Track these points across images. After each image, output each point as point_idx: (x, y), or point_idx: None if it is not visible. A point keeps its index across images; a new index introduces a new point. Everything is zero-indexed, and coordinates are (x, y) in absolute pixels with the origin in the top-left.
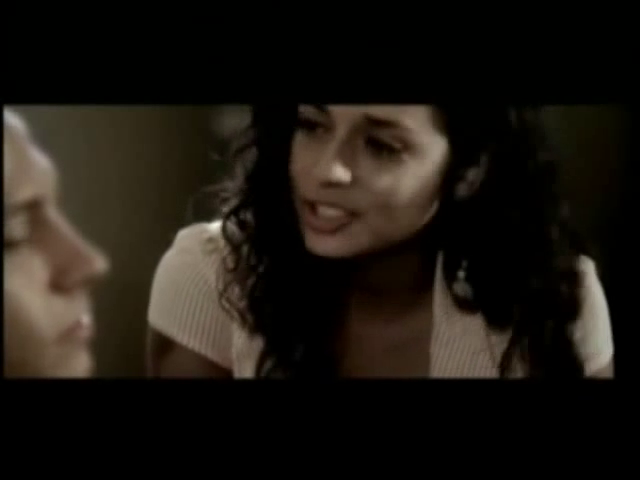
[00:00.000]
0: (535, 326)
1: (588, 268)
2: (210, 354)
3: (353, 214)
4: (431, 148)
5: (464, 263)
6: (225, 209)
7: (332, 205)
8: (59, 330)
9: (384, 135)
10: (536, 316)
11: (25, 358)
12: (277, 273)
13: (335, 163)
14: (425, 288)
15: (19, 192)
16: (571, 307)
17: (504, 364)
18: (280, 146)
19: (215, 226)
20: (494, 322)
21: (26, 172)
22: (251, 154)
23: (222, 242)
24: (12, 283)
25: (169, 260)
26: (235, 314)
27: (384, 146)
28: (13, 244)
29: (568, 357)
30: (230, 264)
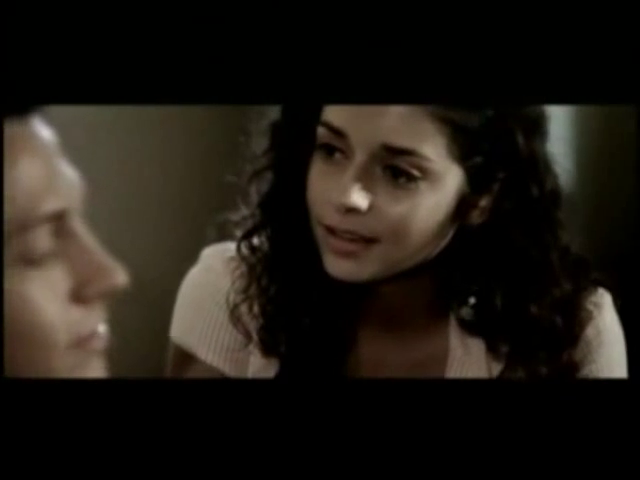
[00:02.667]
0: (529, 355)
1: (603, 300)
2: (228, 370)
3: (369, 240)
4: (447, 177)
5: (473, 287)
6: (238, 233)
7: (349, 232)
8: (73, 338)
9: (402, 163)
10: (530, 345)
11: (38, 363)
12: (289, 297)
13: (353, 189)
14: (440, 313)
15: (46, 204)
16: (566, 338)
17: None
18: (297, 171)
19: None
20: (493, 349)
21: (53, 184)
22: (266, 179)
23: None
24: (33, 290)
25: (192, 277)
26: (251, 334)
27: (402, 173)
28: (37, 255)
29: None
30: (242, 285)
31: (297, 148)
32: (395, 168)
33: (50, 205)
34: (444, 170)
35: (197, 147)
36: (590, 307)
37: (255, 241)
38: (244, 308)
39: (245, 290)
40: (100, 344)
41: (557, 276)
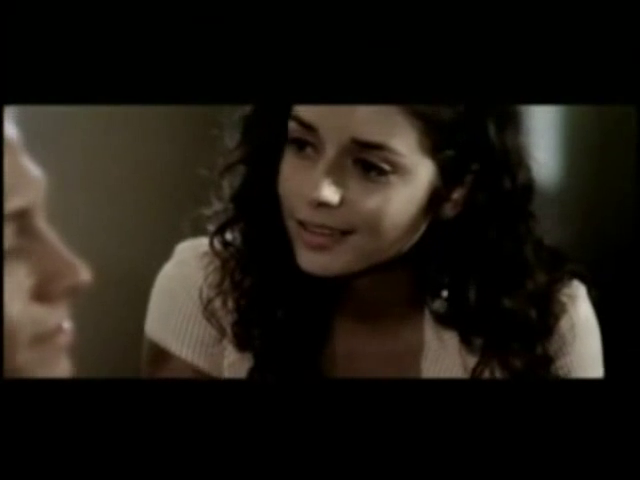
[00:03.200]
0: (502, 348)
1: (578, 292)
2: (202, 365)
3: (344, 232)
4: (419, 170)
5: (446, 280)
6: (211, 227)
7: (322, 226)
8: (36, 335)
9: (372, 157)
10: (504, 337)
11: (2, 359)
12: (263, 291)
13: (324, 183)
14: (415, 306)
15: (9, 202)
16: (541, 331)
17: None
18: (269, 165)
19: None
20: (467, 341)
21: (17, 182)
22: (239, 172)
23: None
24: None
25: (166, 272)
26: (225, 329)
27: (372, 167)
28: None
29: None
30: (216, 279)
31: (268, 142)
32: (365, 162)
33: (13, 203)
34: (415, 163)
35: (171, 141)
36: (564, 299)
37: (228, 236)
38: (218, 303)
39: (219, 285)
40: (65, 340)
41: (531, 268)
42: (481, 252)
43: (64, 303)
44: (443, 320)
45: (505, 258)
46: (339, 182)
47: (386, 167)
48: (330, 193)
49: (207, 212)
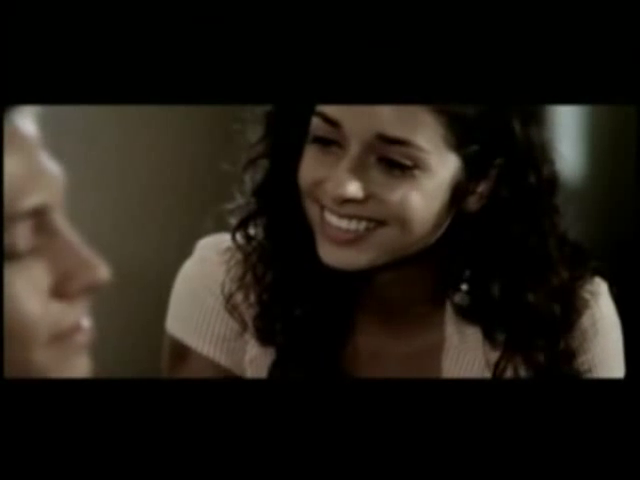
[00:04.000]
0: (526, 343)
1: (600, 289)
2: (224, 361)
3: (367, 229)
4: (442, 165)
5: (467, 274)
6: (234, 221)
7: (349, 217)
8: (54, 333)
9: (395, 153)
10: (527, 333)
11: (21, 358)
12: (285, 285)
13: (348, 180)
14: (437, 301)
15: (27, 199)
16: (563, 326)
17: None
18: (291, 159)
19: None
20: (490, 336)
21: (35, 179)
22: (262, 167)
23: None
24: (14, 285)
25: (187, 269)
26: (247, 323)
27: (396, 165)
28: (18, 249)
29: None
30: (238, 273)
31: (292, 136)
32: (389, 160)
33: (31, 200)
34: (439, 159)
35: (192, 138)
36: (587, 296)
37: (251, 230)
38: (240, 297)
39: (241, 279)
40: (84, 338)
41: (555, 264)
42: (505, 246)
43: (82, 301)
44: (465, 315)
45: (529, 252)
46: (363, 178)
47: (409, 163)
48: (354, 189)
49: (230, 206)
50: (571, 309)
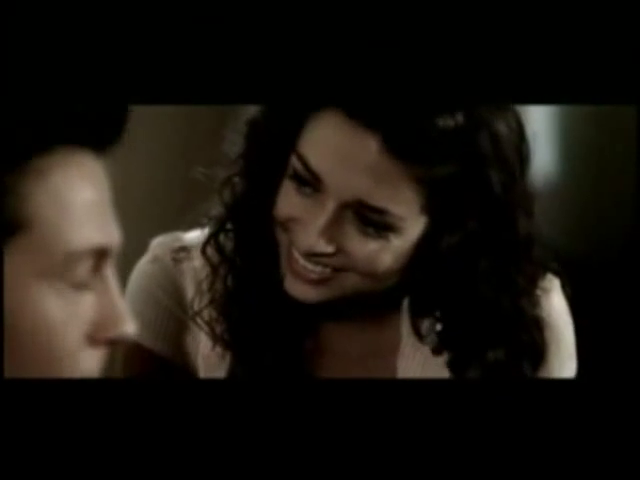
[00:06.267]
0: (477, 340)
1: (551, 285)
2: (177, 359)
3: (335, 270)
4: (415, 227)
5: (437, 314)
6: (206, 231)
7: (316, 263)
8: (70, 371)
9: (373, 217)
10: (479, 329)
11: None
12: (242, 285)
13: (320, 238)
14: (393, 307)
15: (95, 235)
16: (515, 322)
17: None
18: (268, 183)
19: (189, 236)
20: (444, 334)
21: (104, 220)
22: (238, 184)
23: (194, 251)
24: (52, 311)
25: (141, 267)
26: (202, 323)
27: (371, 224)
28: (75, 281)
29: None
30: (195, 273)
31: (271, 161)
32: (365, 218)
33: (97, 239)
34: (413, 222)
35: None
36: (538, 292)
37: (221, 242)
38: (196, 296)
39: (198, 279)
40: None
41: (519, 263)
42: (472, 286)
43: (104, 351)
44: (419, 313)
45: (497, 289)
46: (336, 231)
47: (385, 227)
48: (325, 246)
49: (206, 217)
50: (523, 305)
